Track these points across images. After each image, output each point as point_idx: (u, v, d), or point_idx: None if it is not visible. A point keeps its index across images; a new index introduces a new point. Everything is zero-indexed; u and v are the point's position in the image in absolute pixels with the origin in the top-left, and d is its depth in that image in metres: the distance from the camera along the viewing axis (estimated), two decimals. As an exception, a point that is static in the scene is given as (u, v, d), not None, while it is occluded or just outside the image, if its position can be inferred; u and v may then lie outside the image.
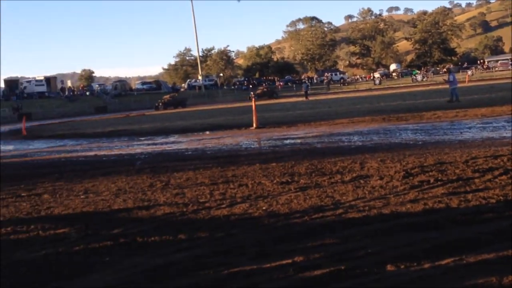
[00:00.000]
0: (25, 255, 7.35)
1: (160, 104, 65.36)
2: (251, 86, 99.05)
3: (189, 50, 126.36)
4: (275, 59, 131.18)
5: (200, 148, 19.96)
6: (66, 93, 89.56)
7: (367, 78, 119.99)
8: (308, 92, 70.58)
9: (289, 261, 6.25)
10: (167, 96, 68.55)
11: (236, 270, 6.15)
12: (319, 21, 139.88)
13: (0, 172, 16.47)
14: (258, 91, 78.47)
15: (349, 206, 8.75)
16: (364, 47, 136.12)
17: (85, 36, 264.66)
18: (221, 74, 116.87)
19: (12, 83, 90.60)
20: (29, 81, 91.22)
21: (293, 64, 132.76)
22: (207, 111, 51.30)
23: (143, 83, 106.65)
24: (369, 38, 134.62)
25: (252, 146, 19.58)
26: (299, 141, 19.77)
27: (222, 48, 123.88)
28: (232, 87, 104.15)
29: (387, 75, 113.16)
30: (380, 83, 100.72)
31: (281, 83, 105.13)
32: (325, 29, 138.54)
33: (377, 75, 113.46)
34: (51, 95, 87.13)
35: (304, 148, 17.22)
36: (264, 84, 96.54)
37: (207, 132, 27.01)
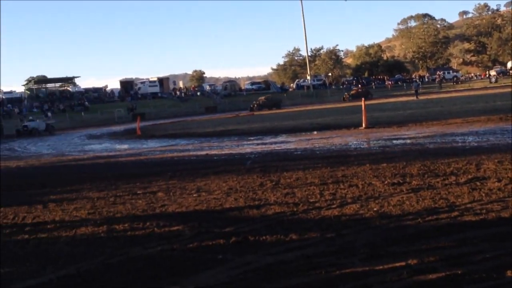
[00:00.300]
0: (142, 251, 7.61)
1: (255, 105, 65.05)
2: (359, 85, 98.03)
3: (298, 50, 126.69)
4: (384, 58, 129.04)
5: (309, 148, 19.96)
6: (178, 93, 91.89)
7: (482, 76, 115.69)
8: (419, 91, 69.04)
9: (403, 263, 6.13)
10: (262, 98, 68.08)
11: (347, 271, 6.11)
12: (432, 18, 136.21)
13: (117, 170, 17.15)
14: (352, 92, 77.34)
15: (464, 208, 8.48)
16: (480, 44, 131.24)
17: (196, 38, 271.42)
18: (330, 74, 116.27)
19: (127, 84, 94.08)
20: (143, 82, 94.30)
21: (403, 62, 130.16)
22: (314, 110, 51.25)
23: (252, 83, 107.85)
24: (485, 34, 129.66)
25: (362, 146, 19.37)
26: (410, 141, 19.36)
27: (331, 48, 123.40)
28: (341, 86, 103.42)
29: (504, 73, 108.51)
30: (496, 81, 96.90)
31: (390, 82, 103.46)
32: (438, 26, 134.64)
33: (493, 72, 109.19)
34: (164, 96, 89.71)
35: (416, 149, 16.84)
36: (359, 85, 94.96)
37: (315, 132, 26.96)
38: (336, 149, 18.77)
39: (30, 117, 57.48)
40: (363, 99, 28.50)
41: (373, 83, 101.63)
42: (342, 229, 7.86)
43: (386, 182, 11.24)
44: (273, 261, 6.67)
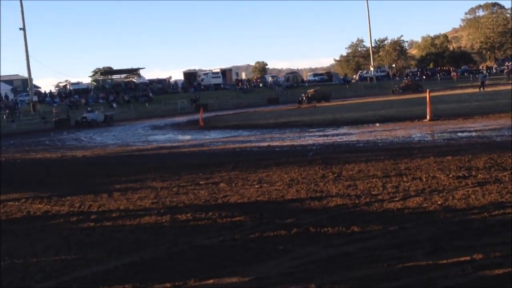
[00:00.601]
0: (204, 240, 7.70)
1: (304, 98, 63.59)
2: (424, 77, 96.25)
3: (362, 41, 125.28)
4: (451, 49, 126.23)
5: (372, 140, 19.75)
6: (240, 85, 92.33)
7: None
8: (485, 82, 67.26)
9: (467, 258, 6.02)
10: (311, 90, 66.48)
11: (410, 264, 6.04)
12: (501, 7, 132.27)
13: (180, 161, 17.38)
14: (402, 84, 75.21)
15: (532, 203, 8.25)
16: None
17: (259, 29, 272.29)
18: (394, 65, 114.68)
19: (190, 76, 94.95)
20: (206, 74, 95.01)
21: (470, 53, 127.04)
22: (377, 102, 50.67)
23: (314, 75, 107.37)
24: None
25: (426, 139, 19.05)
26: (476, 134, 18.91)
27: (396, 39, 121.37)
28: (405, 78, 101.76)
29: None
30: None
31: (456, 74, 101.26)
32: (508, 15, 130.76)
33: None
34: (226, 87, 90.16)
35: (482, 142, 16.45)
36: (407, 77, 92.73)
37: (378, 124, 26.64)
38: (399, 141, 18.51)
39: (89, 108, 58.03)
40: (427, 91, 27.92)
41: (438, 75, 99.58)
42: (405, 222, 7.77)
43: (451, 175, 11.03)
44: (334, 253, 6.65)
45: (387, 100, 53.31)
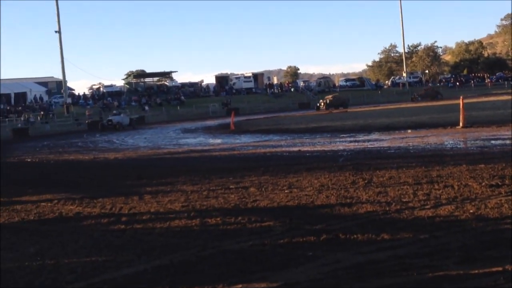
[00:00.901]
0: (233, 244, 7.71)
1: (322, 104, 62.89)
2: (457, 83, 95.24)
3: (395, 46, 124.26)
4: (485, 55, 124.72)
5: (403, 146, 19.61)
6: (272, 89, 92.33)
7: None
8: (520, 90, 66.34)
9: (499, 268, 5.93)
10: (329, 97, 65.35)
11: (441, 273, 5.97)
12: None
13: (210, 165, 17.45)
14: (421, 92, 73.70)
15: None
16: None
17: (291, 34, 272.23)
18: (427, 71, 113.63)
19: (222, 80, 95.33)
20: (238, 78, 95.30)
21: (505, 60, 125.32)
22: (409, 108, 50.25)
23: (346, 80, 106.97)
24: None
25: (459, 146, 18.86)
26: (510, 142, 18.63)
27: (429, 44, 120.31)
28: (438, 84, 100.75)
29: None
30: None
31: (491, 80, 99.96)
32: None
33: None
34: (258, 91, 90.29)
35: (516, 150, 16.20)
36: (428, 85, 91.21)
37: (410, 131, 26.44)
38: (431, 148, 18.35)
39: (114, 111, 58.00)
40: (461, 98, 27.60)
41: (472, 81, 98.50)
42: (436, 230, 7.69)
43: (483, 183, 10.90)
44: (364, 260, 6.61)
45: (420, 106, 52.88)
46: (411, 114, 39.91)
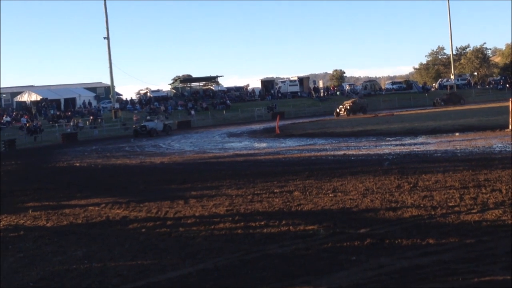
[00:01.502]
0: (277, 249, 7.73)
1: (342, 109, 60.90)
2: (507, 85, 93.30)
3: (442, 48, 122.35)
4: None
5: (450, 150, 19.33)
6: (317, 93, 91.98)
7: None
8: None
9: (547, 274, 5.82)
10: (348, 102, 63.84)
11: (487, 279, 5.90)
12: None
13: (255, 169, 17.50)
14: (444, 97, 71.57)
15: None
16: None
17: (337, 37, 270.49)
18: (475, 73, 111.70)
19: (268, 84, 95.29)
20: (283, 81, 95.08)
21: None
22: (456, 111, 49.43)
23: (393, 83, 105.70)
24: None
25: (507, 150, 18.47)
26: (561, 144, 18.21)
27: (478, 46, 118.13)
28: (487, 86, 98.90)
29: None
30: None
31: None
32: None
33: None
34: (303, 95, 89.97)
35: None
36: (450, 89, 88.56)
37: (457, 134, 26.05)
38: (478, 151, 18.05)
39: (148, 117, 56.80)
40: (510, 100, 27.01)
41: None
42: (483, 235, 7.58)
43: (532, 187, 10.69)
44: (408, 265, 6.57)
45: (468, 109, 52.03)
46: (459, 116, 39.30)
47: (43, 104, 70.30)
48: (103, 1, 67.04)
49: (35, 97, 73.37)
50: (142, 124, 51.28)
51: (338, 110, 61.36)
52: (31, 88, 79.23)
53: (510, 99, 26.83)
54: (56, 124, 60.07)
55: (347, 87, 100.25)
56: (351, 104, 61.99)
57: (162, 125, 51.71)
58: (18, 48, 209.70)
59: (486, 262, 6.42)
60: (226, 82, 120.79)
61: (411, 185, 12.03)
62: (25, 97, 74.37)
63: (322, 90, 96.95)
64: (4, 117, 60.91)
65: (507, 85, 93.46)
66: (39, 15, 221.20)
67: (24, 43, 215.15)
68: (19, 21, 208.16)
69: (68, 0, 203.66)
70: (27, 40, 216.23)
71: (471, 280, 5.88)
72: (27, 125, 56.24)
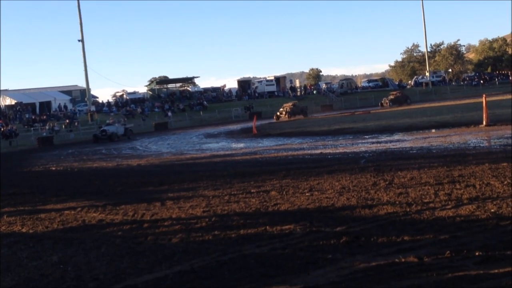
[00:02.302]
0: (254, 249, 7.74)
1: (283, 112, 60.13)
2: (481, 81, 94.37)
3: (417, 46, 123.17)
4: (510, 52, 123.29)
5: (425, 146, 19.49)
6: (294, 92, 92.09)
7: None
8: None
9: (520, 268, 5.89)
10: (289, 104, 62.11)
11: (461, 274, 5.95)
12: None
13: (232, 169, 17.50)
14: (391, 97, 71.62)
15: None
16: None
17: (313, 36, 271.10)
18: (450, 70, 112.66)
19: (244, 84, 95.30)
20: (260, 81, 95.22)
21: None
22: (434, 108, 49.83)
23: (369, 81, 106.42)
24: None
25: (481, 145, 18.67)
26: (534, 139, 18.42)
27: (452, 43, 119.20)
28: (461, 83, 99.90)
29: None
30: None
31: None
32: None
33: None
34: (280, 94, 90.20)
35: (540, 147, 16.02)
36: (398, 89, 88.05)
37: (433, 130, 26.28)
38: (453, 147, 18.23)
39: (107, 121, 54.39)
40: (484, 96, 27.27)
41: (496, 79, 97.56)
42: (457, 230, 7.66)
43: (505, 182, 10.82)
44: (384, 262, 6.60)
45: (443, 105, 52.49)
46: (434, 113, 39.64)
47: (18, 108, 69.71)
48: (76, 2, 66.65)
49: (9, 101, 72.73)
50: (102, 128, 49.05)
51: (278, 113, 60.80)
52: (5, 92, 78.48)
53: (484, 96, 27.12)
54: (32, 128, 59.63)
55: (323, 86, 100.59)
56: (291, 106, 61.54)
57: (123, 129, 49.51)
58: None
59: (460, 257, 6.48)
60: (203, 83, 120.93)
61: (387, 183, 12.11)
62: (0, 102, 73.62)
63: (299, 89, 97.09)
64: (-22, 122, 60.22)
65: (481, 82, 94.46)
66: (11, 17, 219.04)
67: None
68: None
69: (41, 1, 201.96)
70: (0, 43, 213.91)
71: (445, 276, 5.93)
72: (2, 129, 55.68)
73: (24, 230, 10.77)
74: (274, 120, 58.39)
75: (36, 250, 8.89)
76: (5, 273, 7.65)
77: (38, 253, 8.71)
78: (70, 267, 7.63)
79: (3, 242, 9.68)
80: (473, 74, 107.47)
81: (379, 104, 69.46)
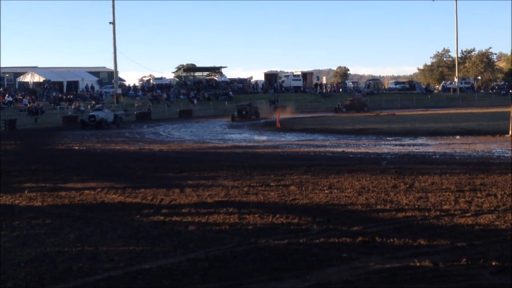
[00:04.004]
0: (269, 242, 7.75)
1: (235, 115, 53.20)
2: (510, 91, 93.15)
3: (448, 51, 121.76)
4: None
5: (449, 152, 19.35)
6: (320, 89, 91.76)
7: None
8: None
9: (536, 281, 5.84)
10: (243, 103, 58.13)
11: (475, 282, 5.92)
12: None
13: (253, 161, 17.52)
14: (346, 102, 67.20)
15: None
16: None
17: (343, 34, 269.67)
18: (479, 77, 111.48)
19: (271, 77, 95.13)
20: (287, 76, 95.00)
21: None
22: (460, 114, 49.38)
23: (396, 83, 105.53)
24: None
25: (506, 155, 18.47)
26: (560, 153, 18.18)
27: (483, 50, 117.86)
28: (490, 91, 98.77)
29: None
30: None
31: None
32: None
33: None
34: (306, 90, 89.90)
35: None
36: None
37: (458, 137, 26.06)
38: (477, 155, 18.07)
39: (97, 105, 50.78)
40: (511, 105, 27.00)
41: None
42: (475, 239, 7.60)
43: (527, 194, 10.71)
44: (399, 264, 6.58)
45: (470, 112, 52.01)
46: (460, 120, 39.29)
47: (45, 86, 70.27)
48: (110, -15, 66.87)
49: (38, 78, 73.32)
50: (91, 113, 44.79)
51: (234, 114, 53.96)
52: (34, 69, 79.05)
53: (511, 105, 26.82)
54: (58, 107, 60.03)
55: (350, 85, 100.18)
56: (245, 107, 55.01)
57: (113, 116, 45.46)
58: (22, 28, 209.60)
59: (476, 266, 6.44)
60: (230, 73, 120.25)
61: (407, 186, 12.05)
62: (28, 78, 74.29)
63: (327, 87, 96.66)
64: (6, 97, 60.86)
65: (511, 91, 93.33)
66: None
67: (29, 24, 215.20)
68: (24, 2, 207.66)
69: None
70: (32, 21, 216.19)
71: (460, 283, 5.90)
72: (29, 106, 56.22)
73: (44, 206, 10.88)
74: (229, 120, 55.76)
75: (55, 227, 9.00)
76: (23, 247, 7.75)
77: (56, 230, 8.81)
78: (87, 246, 7.71)
79: (22, 217, 9.80)
80: (502, 83, 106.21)
81: (334, 109, 65.29)
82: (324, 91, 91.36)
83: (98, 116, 42.97)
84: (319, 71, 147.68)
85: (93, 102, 63.86)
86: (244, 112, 52.65)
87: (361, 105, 65.09)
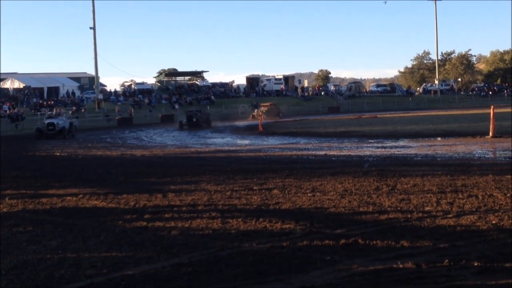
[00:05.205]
0: (252, 246, 7.75)
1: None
2: (490, 92, 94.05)
3: (428, 53, 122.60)
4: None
5: (430, 154, 19.47)
6: (302, 92, 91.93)
7: None
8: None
9: (517, 281, 5.88)
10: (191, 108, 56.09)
11: (457, 283, 5.95)
12: None
13: (236, 165, 17.51)
14: (262, 108, 63.90)
15: None
16: None
17: (324, 37, 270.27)
18: (459, 79, 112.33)
19: (253, 81, 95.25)
20: (269, 79, 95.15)
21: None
22: (441, 116, 49.70)
23: (377, 86, 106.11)
24: None
25: (486, 156, 18.65)
26: (539, 153, 18.37)
27: (463, 52, 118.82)
28: (470, 93, 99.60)
29: None
30: None
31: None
32: None
33: None
34: (288, 94, 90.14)
35: (545, 162, 15.97)
36: (271, 102, 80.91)
37: (439, 139, 26.25)
38: (458, 157, 18.20)
39: (49, 112, 46.37)
40: (492, 107, 27.16)
41: (505, 91, 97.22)
42: (456, 240, 7.65)
43: (508, 194, 10.80)
44: (382, 266, 6.60)
45: (451, 114, 52.35)
46: (441, 121, 39.58)
47: (26, 92, 69.80)
48: (89, -10, 66.62)
49: (18, 84, 72.87)
50: (49, 121, 39.04)
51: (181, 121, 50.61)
52: (14, 76, 78.61)
53: (492, 107, 27.04)
54: (38, 113, 59.62)
55: (331, 88, 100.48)
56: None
57: (69, 124, 40.33)
58: (1, 34, 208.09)
59: (458, 267, 6.48)
60: (212, 77, 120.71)
61: (390, 188, 12.10)
62: (8, 84, 73.81)
63: (309, 90, 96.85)
64: (-14, 104, 60.38)
65: (490, 92, 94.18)
66: (25, 1, 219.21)
67: (8, 29, 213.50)
68: (2, 8, 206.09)
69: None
70: (11, 27, 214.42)
71: (443, 284, 5.93)
72: (9, 112, 55.80)
73: (25, 213, 10.79)
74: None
75: (36, 234, 8.92)
76: (4, 255, 7.68)
77: (37, 237, 8.73)
78: (69, 253, 7.65)
79: (3, 224, 9.70)
80: (482, 84, 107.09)
81: (251, 116, 62.49)
82: (306, 94, 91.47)
83: (58, 125, 38.26)
84: (301, 75, 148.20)
85: (74, 108, 63.57)
86: (194, 119, 48.20)
87: (276, 112, 63.89)
